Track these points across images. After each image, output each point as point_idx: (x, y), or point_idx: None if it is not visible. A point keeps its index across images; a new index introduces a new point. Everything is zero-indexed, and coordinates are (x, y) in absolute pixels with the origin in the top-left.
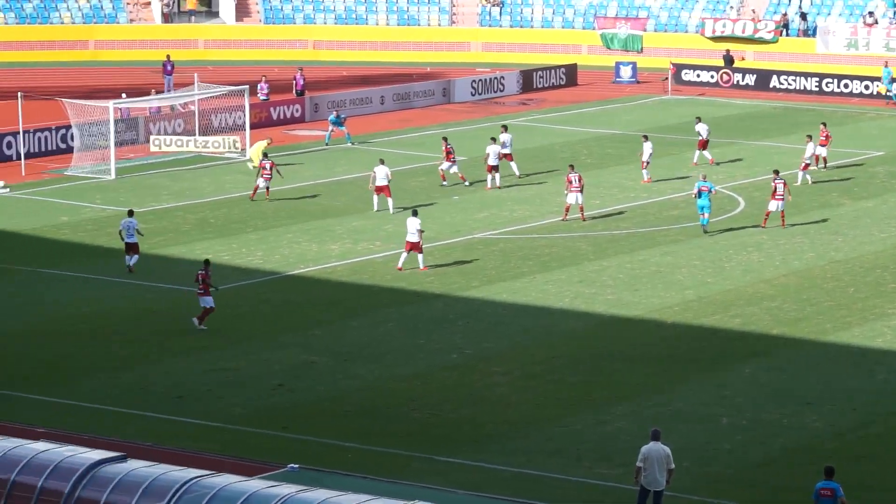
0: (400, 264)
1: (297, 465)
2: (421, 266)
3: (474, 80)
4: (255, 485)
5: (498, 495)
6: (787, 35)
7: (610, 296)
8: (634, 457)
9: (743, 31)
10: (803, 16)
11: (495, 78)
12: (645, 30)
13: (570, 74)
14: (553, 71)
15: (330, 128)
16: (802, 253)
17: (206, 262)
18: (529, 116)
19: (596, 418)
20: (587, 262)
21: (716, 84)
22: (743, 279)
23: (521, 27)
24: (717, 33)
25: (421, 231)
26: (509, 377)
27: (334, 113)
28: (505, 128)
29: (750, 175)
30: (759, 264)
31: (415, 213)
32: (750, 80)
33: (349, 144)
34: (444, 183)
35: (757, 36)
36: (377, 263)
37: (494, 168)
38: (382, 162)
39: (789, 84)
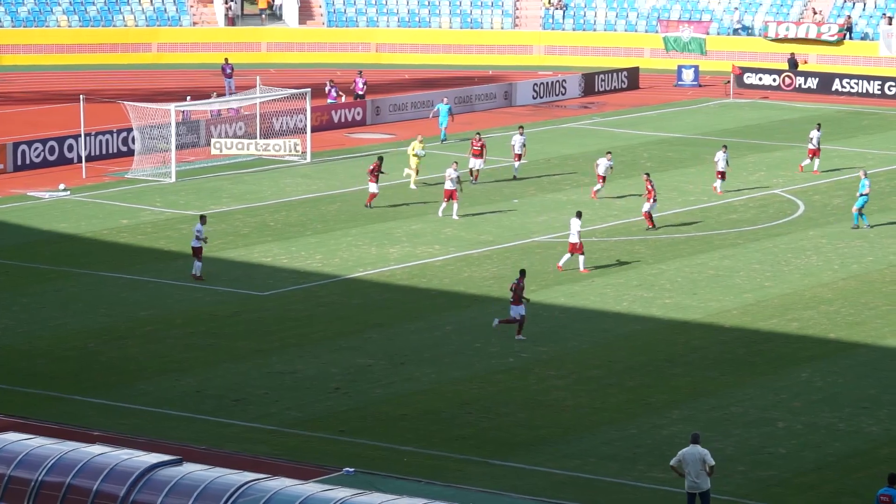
0: (561, 263)
1: (352, 469)
2: (581, 268)
3: (536, 84)
4: (311, 488)
5: (552, 499)
6: (851, 38)
7: (668, 300)
8: None
9: (806, 35)
10: (889, 20)
11: (557, 81)
12: (708, 33)
13: (632, 78)
14: (615, 74)
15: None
16: (862, 256)
17: (522, 272)
18: (591, 120)
19: (652, 422)
20: (645, 266)
21: (778, 87)
22: (801, 283)
23: (584, 30)
24: (780, 34)
25: (579, 233)
26: (566, 381)
27: (444, 100)
28: (521, 128)
29: (811, 179)
30: (817, 268)
31: (578, 215)
32: (812, 83)
33: (441, 142)
34: (473, 181)
35: (821, 38)
36: (435, 267)
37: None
38: (456, 165)
39: (852, 87)
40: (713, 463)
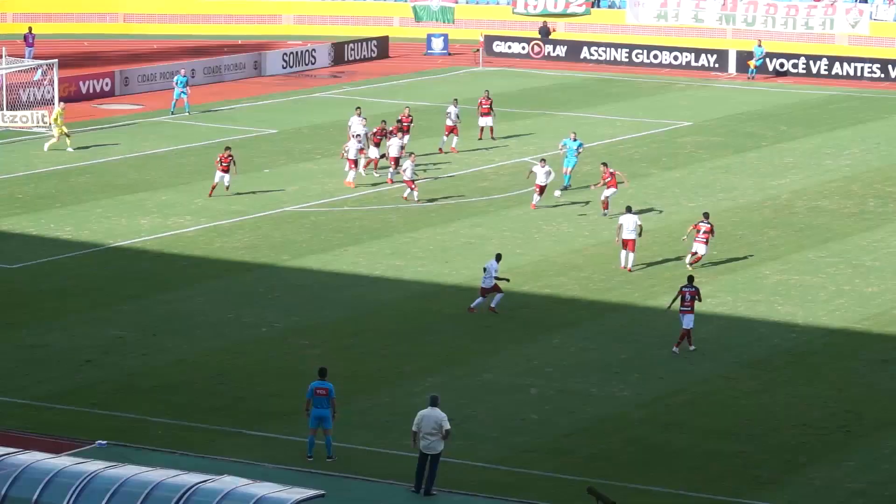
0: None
1: (105, 442)
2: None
3: (286, 53)
4: (63, 462)
5: (307, 469)
6: (598, 6)
7: (420, 268)
8: None
9: (555, 6)
10: None
11: (307, 51)
12: (457, 2)
13: (382, 47)
14: (364, 43)
15: (177, 94)
16: (612, 223)
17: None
18: (341, 89)
19: (406, 390)
20: (398, 235)
21: (527, 56)
22: (553, 249)
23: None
24: (529, 7)
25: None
26: (319, 350)
27: (181, 72)
28: (455, 101)
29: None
30: (568, 235)
31: (497, 258)
32: (561, 51)
33: (187, 113)
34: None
35: (569, 11)
36: (187, 238)
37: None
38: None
39: (600, 55)
40: (449, 427)
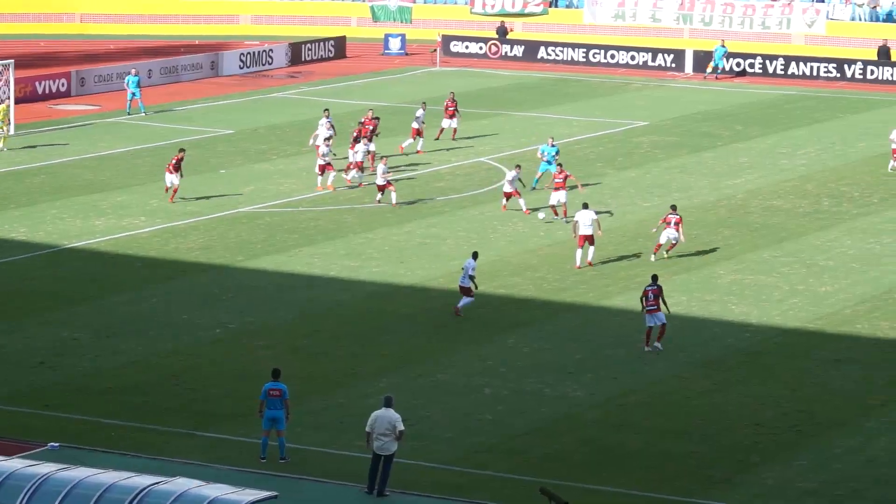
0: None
1: (57, 444)
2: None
3: (243, 54)
4: (14, 464)
5: (260, 470)
6: (556, 6)
7: (376, 268)
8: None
9: (513, 6)
10: None
11: (264, 51)
12: (414, 2)
13: (339, 47)
14: (322, 43)
15: (130, 95)
16: (567, 223)
17: (654, 276)
18: (298, 89)
19: (360, 391)
20: (353, 235)
21: (484, 56)
22: (508, 250)
23: (291, 0)
24: (487, 7)
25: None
26: (274, 351)
27: (133, 72)
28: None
29: (516, 146)
30: (523, 235)
31: (474, 256)
32: (518, 51)
33: (143, 114)
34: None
35: (526, 11)
36: (142, 239)
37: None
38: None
39: (557, 55)
40: (402, 428)
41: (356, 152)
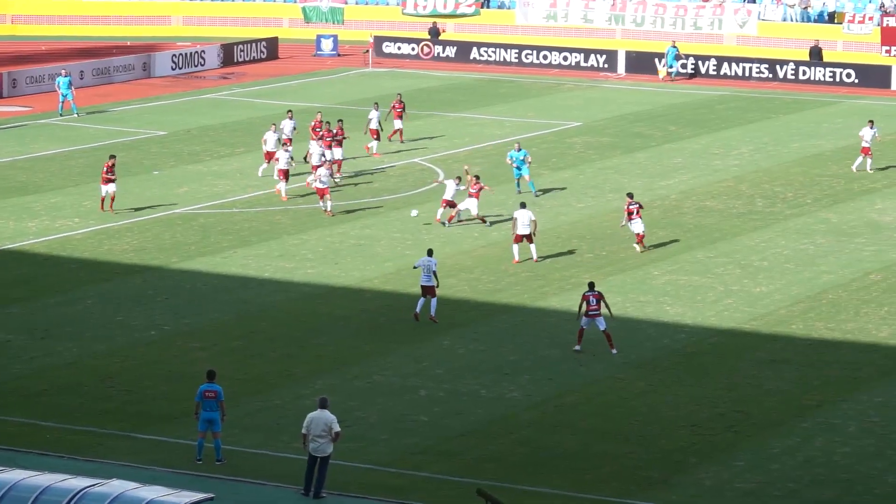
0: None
1: None
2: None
3: (175, 55)
4: None
5: (196, 472)
6: (488, 7)
7: (310, 269)
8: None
9: (444, 7)
10: None
11: (196, 52)
12: (346, 2)
13: (272, 48)
14: (254, 44)
15: (62, 96)
16: (500, 224)
17: (591, 283)
18: (230, 90)
19: (295, 392)
20: (287, 237)
21: (416, 56)
22: (442, 251)
23: (222, 1)
24: (419, 8)
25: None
26: (209, 352)
27: (63, 73)
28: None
29: (450, 147)
30: (458, 236)
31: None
32: (451, 52)
33: (75, 115)
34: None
35: (458, 11)
36: (76, 240)
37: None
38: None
39: (489, 56)
40: (339, 430)
41: (312, 154)
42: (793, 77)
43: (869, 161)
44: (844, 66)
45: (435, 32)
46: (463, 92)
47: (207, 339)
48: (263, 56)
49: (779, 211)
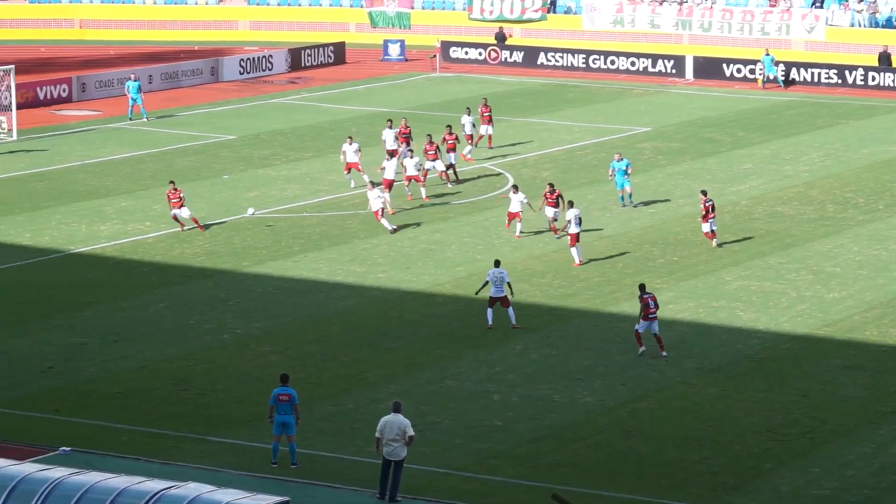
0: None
1: (69, 448)
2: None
3: (243, 59)
4: (27, 468)
5: (271, 475)
6: (554, 12)
7: (381, 274)
8: None
9: (511, 12)
10: None
11: (263, 56)
12: (413, 7)
13: (339, 52)
14: (321, 49)
15: (131, 101)
16: (559, 239)
17: (642, 285)
18: (298, 95)
19: (368, 397)
20: (358, 241)
21: (483, 61)
22: (513, 256)
23: (290, 5)
24: (485, 13)
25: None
26: (282, 356)
27: (132, 77)
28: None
29: (520, 152)
30: (529, 241)
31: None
32: (518, 57)
33: (144, 119)
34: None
35: (525, 17)
36: (147, 244)
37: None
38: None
39: (556, 61)
40: (413, 434)
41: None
42: (862, 83)
43: None
44: None
45: (501, 37)
46: (530, 97)
47: (280, 342)
48: (331, 61)
49: (850, 217)
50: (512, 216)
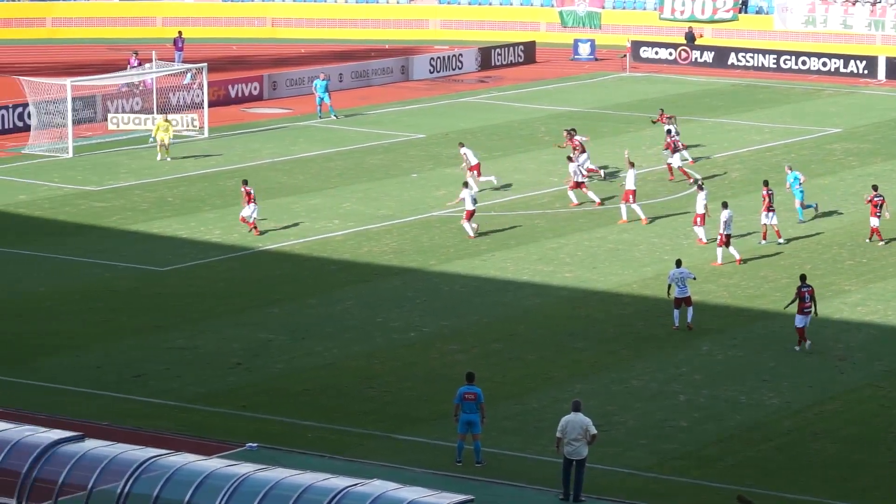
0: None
1: (255, 444)
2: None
3: (433, 58)
4: (214, 464)
5: (455, 473)
6: (746, 12)
7: (568, 273)
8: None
9: (703, 13)
10: None
11: (454, 55)
12: (603, 7)
13: (529, 52)
14: (511, 48)
15: (319, 99)
16: (759, 230)
17: (803, 276)
18: (488, 94)
19: (553, 396)
20: (545, 240)
21: (674, 61)
22: (700, 256)
23: (480, 4)
24: (676, 13)
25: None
26: (468, 355)
27: (321, 76)
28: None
29: (710, 153)
30: (715, 241)
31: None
32: (708, 57)
33: (333, 118)
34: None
35: (716, 17)
36: (335, 241)
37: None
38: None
39: (747, 61)
40: (595, 432)
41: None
42: None
43: None
44: None
45: (691, 37)
46: (720, 97)
47: (466, 341)
48: (521, 60)
49: None
50: (697, 217)
